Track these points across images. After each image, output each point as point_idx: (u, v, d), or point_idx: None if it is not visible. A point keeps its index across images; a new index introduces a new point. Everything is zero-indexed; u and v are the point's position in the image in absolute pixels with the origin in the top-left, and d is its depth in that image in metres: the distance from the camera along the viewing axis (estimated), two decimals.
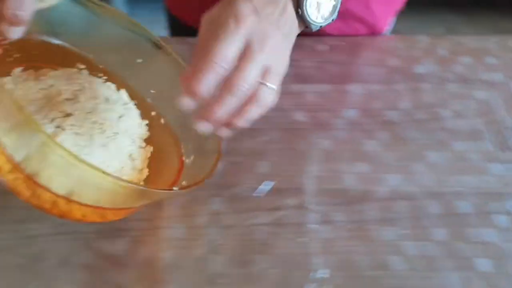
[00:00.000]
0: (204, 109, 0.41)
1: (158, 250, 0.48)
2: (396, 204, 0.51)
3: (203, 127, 0.42)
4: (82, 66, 0.53)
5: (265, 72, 0.41)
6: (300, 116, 0.60)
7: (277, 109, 0.60)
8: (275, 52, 0.42)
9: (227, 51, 0.39)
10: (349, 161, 0.55)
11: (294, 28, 0.45)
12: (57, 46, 0.52)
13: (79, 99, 0.49)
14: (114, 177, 0.38)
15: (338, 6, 0.47)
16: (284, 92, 0.62)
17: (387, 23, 0.75)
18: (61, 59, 0.52)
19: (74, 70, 0.52)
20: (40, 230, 0.48)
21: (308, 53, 0.67)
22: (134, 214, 0.49)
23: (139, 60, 0.54)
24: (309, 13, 0.45)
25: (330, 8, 0.47)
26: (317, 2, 0.46)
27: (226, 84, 0.40)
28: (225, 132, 0.44)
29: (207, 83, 0.39)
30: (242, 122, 0.43)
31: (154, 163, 0.51)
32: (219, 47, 0.39)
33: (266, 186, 0.53)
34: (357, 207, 0.51)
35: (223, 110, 0.41)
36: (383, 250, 0.48)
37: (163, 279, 0.46)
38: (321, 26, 0.47)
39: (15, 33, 0.41)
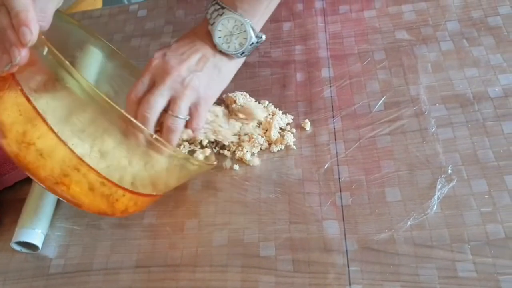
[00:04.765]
0: None
1: (289, 168, 0.54)
2: (510, 101, 0.53)
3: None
4: None
5: (171, 102, 0.49)
6: (402, 35, 0.62)
7: (377, 32, 0.63)
8: (178, 83, 0.49)
9: (135, 91, 0.49)
10: (458, 68, 0.57)
11: (204, 61, 0.51)
12: None
13: None
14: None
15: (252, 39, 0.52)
16: (382, 14, 0.64)
17: None
18: None
19: None
20: None
21: None
22: None
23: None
24: (222, 47, 0.52)
25: (242, 39, 0.52)
26: (228, 36, 0.52)
27: (137, 114, 0.48)
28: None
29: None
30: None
31: None
32: (131, 90, 0.50)
33: (381, 101, 0.56)
34: (473, 108, 0.53)
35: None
36: (506, 142, 0.50)
37: (296, 191, 0.52)
38: (243, 53, 0.53)
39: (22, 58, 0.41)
